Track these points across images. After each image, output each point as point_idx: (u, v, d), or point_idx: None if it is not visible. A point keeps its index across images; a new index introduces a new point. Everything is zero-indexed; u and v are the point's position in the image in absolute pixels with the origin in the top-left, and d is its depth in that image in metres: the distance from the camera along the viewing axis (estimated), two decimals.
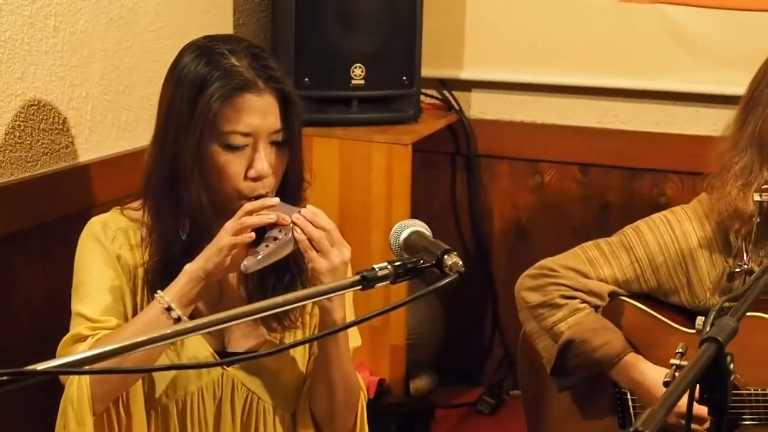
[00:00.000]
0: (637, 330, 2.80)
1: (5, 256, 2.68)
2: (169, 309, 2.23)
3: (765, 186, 2.61)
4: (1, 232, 2.65)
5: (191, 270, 2.25)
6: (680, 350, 2.66)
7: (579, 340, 2.75)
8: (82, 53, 2.87)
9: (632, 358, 2.74)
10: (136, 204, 2.41)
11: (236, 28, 3.51)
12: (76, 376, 2.21)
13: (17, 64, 2.69)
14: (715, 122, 3.56)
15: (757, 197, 2.61)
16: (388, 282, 1.82)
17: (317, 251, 2.24)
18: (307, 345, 2.46)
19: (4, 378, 1.44)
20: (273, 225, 2.24)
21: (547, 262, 2.85)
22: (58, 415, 2.28)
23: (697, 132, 3.59)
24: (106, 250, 2.35)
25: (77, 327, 2.29)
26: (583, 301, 2.78)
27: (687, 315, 2.77)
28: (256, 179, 2.31)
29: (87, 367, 1.62)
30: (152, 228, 2.36)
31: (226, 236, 2.23)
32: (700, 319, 1.85)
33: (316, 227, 2.24)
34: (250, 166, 2.31)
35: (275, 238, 2.23)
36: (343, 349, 2.39)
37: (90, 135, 2.91)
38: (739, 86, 3.48)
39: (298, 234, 2.23)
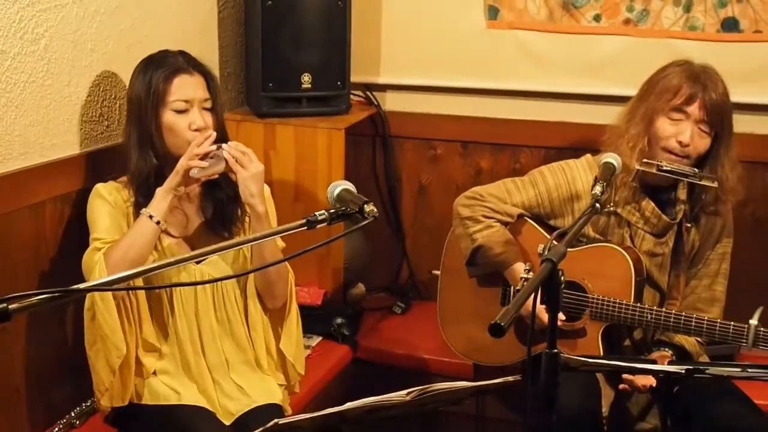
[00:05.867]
0: (530, 241, 2.87)
1: None
2: (150, 217, 2.39)
3: (644, 160, 2.64)
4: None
5: (160, 189, 2.42)
6: (527, 267, 2.70)
7: (486, 246, 2.84)
8: (112, 67, 2.82)
9: (518, 266, 2.82)
10: (121, 175, 2.54)
11: (221, 49, 3.46)
12: (97, 270, 2.32)
13: (65, 75, 2.64)
14: (549, 111, 3.59)
15: (637, 166, 2.64)
16: (326, 224, 1.83)
17: (241, 166, 2.42)
18: (246, 248, 2.58)
19: (57, 294, 1.43)
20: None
21: (479, 188, 2.94)
22: (85, 300, 2.38)
23: (540, 118, 3.60)
24: (107, 200, 2.48)
25: (93, 243, 2.41)
26: (498, 221, 2.86)
27: None
28: (197, 130, 2.46)
29: (117, 285, 1.62)
30: (133, 174, 2.48)
31: (182, 161, 2.40)
32: (541, 246, 1.87)
33: (238, 152, 2.43)
34: (192, 122, 2.47)
35: (212, 158, 2.42)
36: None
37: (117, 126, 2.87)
38: (566, 86, 3.52)
39: (227, 155, 2.41)
